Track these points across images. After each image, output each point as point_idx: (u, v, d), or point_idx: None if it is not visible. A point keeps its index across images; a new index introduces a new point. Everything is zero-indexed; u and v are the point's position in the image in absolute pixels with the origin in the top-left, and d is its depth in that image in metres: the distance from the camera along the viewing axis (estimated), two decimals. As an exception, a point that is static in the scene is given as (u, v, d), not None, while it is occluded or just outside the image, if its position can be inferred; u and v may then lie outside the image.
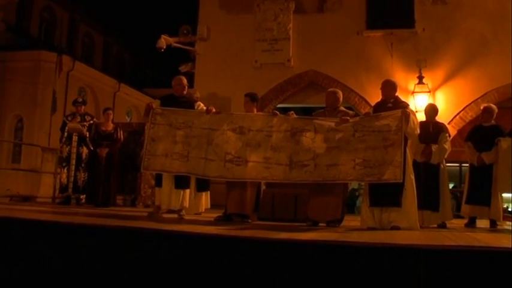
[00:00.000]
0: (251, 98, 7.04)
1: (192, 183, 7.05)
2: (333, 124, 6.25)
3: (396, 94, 6.57)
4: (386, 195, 6.01)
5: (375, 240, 4.27)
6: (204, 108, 7.11)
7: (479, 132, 7.76)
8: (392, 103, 6.38)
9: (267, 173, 6.25)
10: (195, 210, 7.14)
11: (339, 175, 6.00)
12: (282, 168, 6.19)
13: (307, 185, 6.43)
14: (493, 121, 7.78)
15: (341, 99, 6.82)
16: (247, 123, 6.50)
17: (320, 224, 6.30)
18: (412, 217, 6.13)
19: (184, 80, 7.32)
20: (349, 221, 6.90)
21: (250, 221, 6.65)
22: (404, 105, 6.32)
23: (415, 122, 6.14)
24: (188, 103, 7.12)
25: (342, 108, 6.80)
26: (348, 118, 6.25)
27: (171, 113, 6.76)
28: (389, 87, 6.55)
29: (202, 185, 7.06)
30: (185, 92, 7.32)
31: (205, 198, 7.27)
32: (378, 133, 5.97)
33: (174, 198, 6.94)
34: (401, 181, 5.83)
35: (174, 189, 6.92)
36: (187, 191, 7.15)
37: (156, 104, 7.11)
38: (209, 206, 7.30)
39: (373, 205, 6.17)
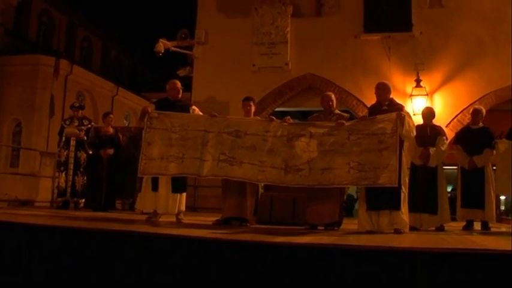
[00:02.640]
0: (253, 101, 7.17)
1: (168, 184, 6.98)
2: (328, 128, 6.22)
3: (391, 96, 6.51)
4: (384, 198, 5.92)
5: (372, 243, 4.28)
6: (200, 113, 7.12)
7: (468, 135, 7.79)
8: (387, 105, 6.32)
9: (262, 176, 6.24)
10: (171, 211, 7.05)
11: (334, 179, 5.93)
12: (277, 172, 6.16)
13: (304, 189, 6.42)
14: (481, 123, 7.82)
15: (335, 102, 6.86)
16: (243, 127, 6.51)
17: (318, 228, 6.31)
18: (406, 220, 6.11)
19: (179, 84, 7.29)
20: (347, 224, 6.91)
21: (249, 224, 6.66)
22: (400, 107, 6.27)
23: (411, 124, 6.08)
24: (183, 107, 7.10)
25: (337, 111, 6.82)
26: (344, 122, 6.22)
27: (167, 117, 6.76)
28: (382, 90, 6.48)
29: (178, 186, 6.99)
30: (180, 96, 7.29)
31: (180, 200, 7.18)
32: (373, 136, 5.90)
33: (171, 203, 6.92)
34: (396, 185, 5.74)
35: (171, 194, 6.90)
36: (184, 194, 7.17)
37: (151, 107, 7.07)
38: (184, 209, 7.23)
39: (370, 209, 6.08)
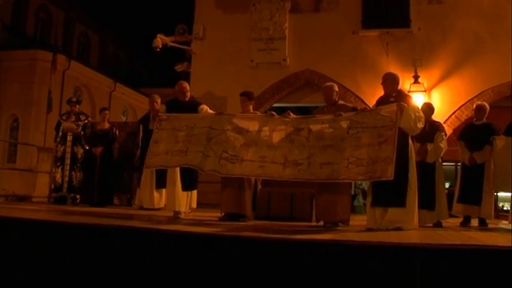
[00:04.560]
0: (247, 96, 7.13)
1: (178, 181, 7.05)
2: (327, 121, 6.10)
3: (399, 88, 6.23)
4: (390, 194, 5.67)
5: (371, 239, 4.28)
6: (209, 110, 7.25)
7: (471, 131, 7.79)
8: (394, 97, 6.01)
9: (261, 171, 6.18)
10: (183, 208, 7.14)
11: (332, 174, 5.75)
12: (276, 167, 6.08)
13: (301, 183, 6.34)
14: (484, 119, 7.81)
15: (338, 92, 6.66)
16: (245, 124, 6.51)
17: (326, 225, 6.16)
18: (416, 218, 5.92)
19: (187, 86, 7.51)
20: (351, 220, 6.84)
21: (247, 220, 6.66)
22: (408, 99, 5.98)
23: (417, 115, 5.80)
24: (192, 107, 7.24)
25: (341, 102, 6.68)
26: (341, 113, 6.05)
27: (176, 118, 6.91)
28: (390, 80, 6.19)
29: (188, 184, 7.08)
30: (188, 96, 7.45)
31: (191, 198, 7.27)
32: (373, 130, 5.69)
33: (182, 200, 7.00)
34: (392, 179, 5.30)
35: (181, 191, 6.97)
36: (195, 192, 7.28)
37: (162, 108, 7.37)
38: (195, 206, 7.34)
39: (374, 205, 5.88)
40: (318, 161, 5.89)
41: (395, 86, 6.19)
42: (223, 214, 6.80)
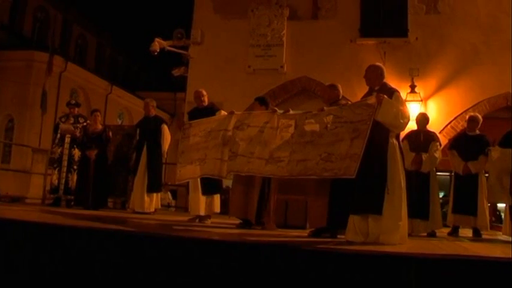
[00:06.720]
0: (260, 101, 7.20)
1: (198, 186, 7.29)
2: (310, 117, 5.84)
3: (384, 81, 5.64)
4: (365, 199, 5.07)
5: (364, 248, 4.27)
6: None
7: (464, 141, 7.81)
8: (377, 91, 5.38)
9: (246, 167, 6.13)
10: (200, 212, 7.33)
11: (302, 170, 5.49)
12: (259, 163, 5.98)
13: (303, 189, 6.30)
14: (477, 130, 7.84)
15: (341, 92, 6.40)
16: (248, 121, 6.49)
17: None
18: (403, 230, 5.13)
19: (203, 91, 7.79)
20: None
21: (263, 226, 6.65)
22: (392, 91, 5.33)
23: (400, 109, 5.15)
24: (211, 113, 7.35)
25: (344, 102, 6.21)
26: (324, 108, 5.77)
27: (197, 124, 7.01)
28: (371, 72, 5.70)
29: (209, 188, 7.24)
30: (206, 103, 7.73)
31: (212, 202, 7.42)
32: (350, 124, 5.24)
33: (202, 204, 7.25)
34: (353, 176, 4.84)
35: (201, 196, 7.24)
36: (217, 196, 7.45)
37: (185, 118, 7.60)
38: (218, 211, 7.49)
39: (353, 213, 5.17)
40: (296, 158, 5.65)
41: (379, 78, 5.63)
42: (240, 221, 6.82)
